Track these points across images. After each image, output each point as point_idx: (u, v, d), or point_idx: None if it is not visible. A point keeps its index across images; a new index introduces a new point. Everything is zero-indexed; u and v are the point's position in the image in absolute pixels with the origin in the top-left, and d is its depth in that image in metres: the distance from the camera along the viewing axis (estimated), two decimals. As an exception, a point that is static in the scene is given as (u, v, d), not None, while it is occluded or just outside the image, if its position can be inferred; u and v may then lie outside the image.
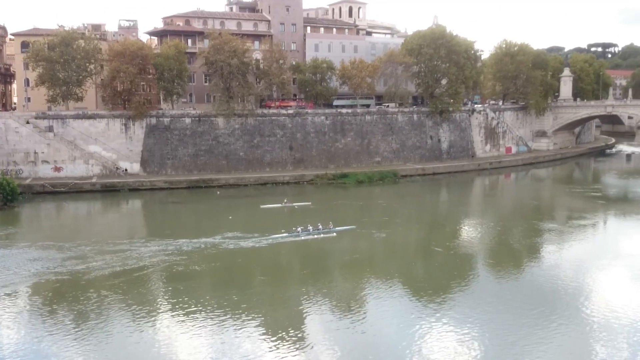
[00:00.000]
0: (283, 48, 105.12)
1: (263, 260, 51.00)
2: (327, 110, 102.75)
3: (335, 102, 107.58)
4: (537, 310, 37.70)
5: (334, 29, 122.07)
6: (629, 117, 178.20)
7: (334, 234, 58.26)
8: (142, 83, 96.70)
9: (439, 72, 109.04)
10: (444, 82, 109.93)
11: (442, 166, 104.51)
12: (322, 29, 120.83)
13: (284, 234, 56.91)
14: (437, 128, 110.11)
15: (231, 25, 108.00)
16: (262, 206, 71.60)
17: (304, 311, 39.07)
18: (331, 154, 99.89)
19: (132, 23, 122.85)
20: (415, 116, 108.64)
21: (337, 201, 79.28)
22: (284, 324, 36.61)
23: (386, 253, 55.10)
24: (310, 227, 57.76)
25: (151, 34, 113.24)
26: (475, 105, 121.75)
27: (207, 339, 34.30)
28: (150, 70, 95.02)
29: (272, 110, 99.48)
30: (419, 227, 66.30)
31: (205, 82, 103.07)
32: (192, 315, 37.65)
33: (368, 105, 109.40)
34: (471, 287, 44.06)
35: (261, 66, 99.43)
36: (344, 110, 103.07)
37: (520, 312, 37.73)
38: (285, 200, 72.39)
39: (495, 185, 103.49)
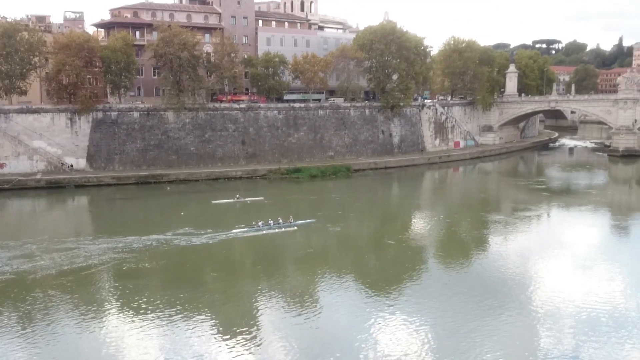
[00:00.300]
0: (234, 41, 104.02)
1: (216, 256, 50.52)
2: (280, 105, 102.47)
3: (286, 97, 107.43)
4: (486, 300, 38.75)
5: (286, 23, 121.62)
6: (572, 112, 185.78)
7: (295, 227, 58.28)
8: (88, 76, 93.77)
9: (390, 67, 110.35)
10: (394, 77, 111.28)
11: (393, 160, 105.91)
12: (274, 23, 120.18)
13: (244, 229, 56.52)
14: (389, 123, 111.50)
15: (181, 18, 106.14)
16: (213, 201, 70.83)
17: (258, 307, 38.91)
18: (284, 148, 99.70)
19: (78, 15, 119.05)
20: (367, 111, 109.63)
21: (290, 196, 79.25)
22: (237, 320, 36.37)
23: (340, 246, 55.47)
24: (271, 221, 57.55)
25: (98, 26, 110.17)
26: (425, 101, 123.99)
27: (157, 339, 33.73)
28: (97, 63, 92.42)
29: (223, 105, 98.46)
30: (372, 221, 67.03)
31: (154, 75, 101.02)
32: (142, 314, 36.94)
33: (319, 100, 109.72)
34: (423, 279, 44.91)
35: (212, 59, 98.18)
36: (296, 105, 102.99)
37: (470, 302, 38.66)
38: (237, 196, 71.87)
39: (445, 179, 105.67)
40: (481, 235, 59.63)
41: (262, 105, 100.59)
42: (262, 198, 73.81)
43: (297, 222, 59.13)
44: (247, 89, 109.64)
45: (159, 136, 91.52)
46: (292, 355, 31.68)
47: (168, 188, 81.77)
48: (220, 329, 35.11)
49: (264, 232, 56.57)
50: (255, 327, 35.52)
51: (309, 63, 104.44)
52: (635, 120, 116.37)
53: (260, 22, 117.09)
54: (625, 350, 31.47)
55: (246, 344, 32.92)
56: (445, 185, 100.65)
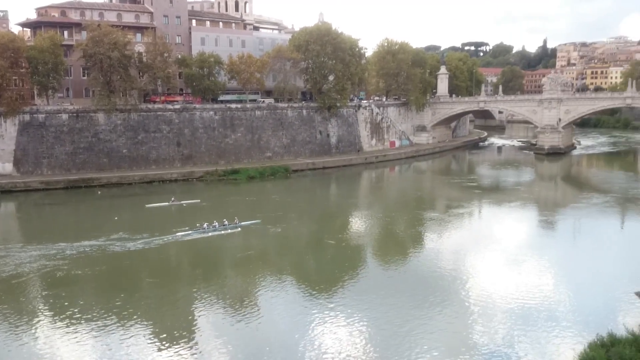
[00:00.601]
0: (167, 41, 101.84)
1: (153, 261, 49.30)
2: (216, 106, 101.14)
3: (222, 97, 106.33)
4: (424, 296, 39.70)
5: (221, 23, 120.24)
6: (500, 112, 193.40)
7: (239, 228, 57.80)
8: (14, 78, 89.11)
9: (326, 68, 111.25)
10: (331, 78, 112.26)
11: (331, 160, 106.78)
12: (208, 23, 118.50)
13: (189, 231, 55.54)
14: (326, 123, 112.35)
15: (111, 17, 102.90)
16: (147, 205, 69.09)
17: (196, 312, 38.29)
18: (221, 149, 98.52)
19: (2, 14, 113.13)
20: (304, 111, 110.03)
21: (229, 197, 78.42)
22: (175, 326, 35.58)
23: (281, 247, 55.40)
24: (216, 223, 56.87)
25: (24, 25, 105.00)
26: (361, 101, 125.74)
27: (92, 348, 32.56)
28: (23, 64, 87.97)
29: (157, 105, 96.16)
30: (312, 221, 67.28)
31: (84, 76, 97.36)
32: (76, 323, 35.58)
33: (254, 100, 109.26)
34: (362, 277, 45.50)
35: (144, 59, 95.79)
36: (233, 106, 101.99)
37: (408, 299, 39.50)
38: (172, 199, 70.47)
39: (382, 178, 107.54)
40: (418, 233, 61.07)
41: (197, 106, 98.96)
42: (199, 200, 72.66)
43: (242, 223, 58.67)
44: (181, 90, 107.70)
45: (89, 139, 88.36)
46: (232, 358, 31.37)
47: (99, 192, 79.06)
48: (158, 335, 34.24)
49: (210, 234, 55.74)
50: (193, 332, 34.93)
51: (245, 63, 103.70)
52: (560, 120, 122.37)
53: (193, 21, 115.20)
54: (556, 341, 32.92)
55: (184, 349, 32.28)
56: (382, 185, 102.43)
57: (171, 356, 31.43)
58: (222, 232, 56.70)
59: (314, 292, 41.42)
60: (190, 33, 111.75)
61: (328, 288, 42.32)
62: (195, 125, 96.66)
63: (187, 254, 52.59)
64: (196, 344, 33.12)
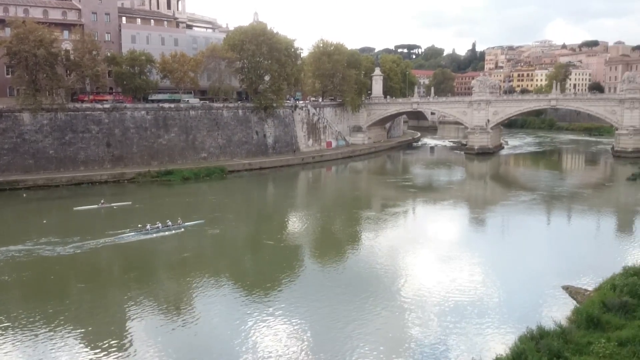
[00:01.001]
0: (96, 39, 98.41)
1: (84, 266, 47.28)
2: (148, 105, 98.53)
3: (154, 97, 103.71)
4: (361, 295, 39.95)
5: (152, 21, 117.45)
6: (432, 113, 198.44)
7: (183, 229, 56.91)
8: None
9: (262, 68, 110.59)
10: (267, 78, 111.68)
11: (268, 161, 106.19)
12: (139, 20, 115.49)
13: (132, 233, 54.15)
14: (263, 123, 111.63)
15: (37, 13, 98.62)
16: (75, 208, 66.40)
17: (129, 317, 36.93)
18: (154, 150, 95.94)
19: None
20: (240, 112, 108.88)
21: (162, 199, 76.52)
22: (107, 332, 34.24)
23: (218, 249, 54.52)
24: (160, 224, 55.81)
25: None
26: (298, 102, 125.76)
27: (20, 357, 30.87)
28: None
29: (85, 105, 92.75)
30: (249, 222, 66.63)
31: (8, 74, 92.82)
32: (1, 331, 33.61)
33: (187, 100, 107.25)
34: (300, 277, 45.37)
35: (72, 57, 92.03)
36: (166, 105, 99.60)
37: (345, 297, 39.62)
38: (102, 201, 67.99)
39: (319, 178, 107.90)
40: (355, 232, 61.62)
41: (128, 105, 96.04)
42: (130, 202, 70.40)
43: (185, 223, 57.86)
44: (111, 89, 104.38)
45: (13, 139, 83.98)
46: (169, 363, 30.57)
47: (25, 195, 75.26)
48: (90, 343, 32.77)
49: (153, 235, 54.44)
50: (127, 338, 33.63)
51: (178, 62, 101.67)
52: (488, 121, 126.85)
53: (124, 19, 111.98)
54: (488, 335, 33.90)
55: (117, 356, 31.10)
56: (319, 185, 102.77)
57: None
58: (166, 232, 55.58)
59: (252, 294, 40.90)
60: (120, 30, 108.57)
61: (266, 289, 41.92)
62: (126, 125, 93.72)
63: (120, 257, 50.76)
64: (130, 350, 31.95)
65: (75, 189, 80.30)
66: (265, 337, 33.63)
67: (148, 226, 55.20)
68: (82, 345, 32.57)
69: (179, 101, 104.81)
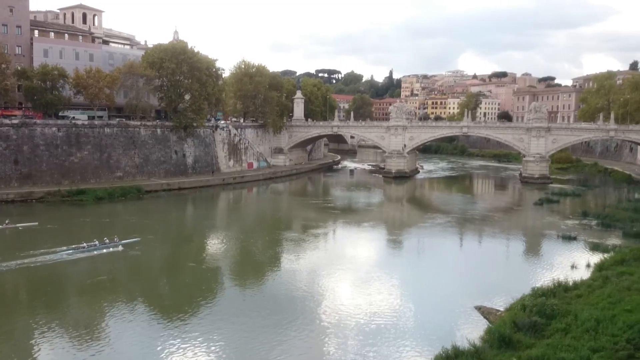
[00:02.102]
0: (6, 52, 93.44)
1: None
2: (60, 121, 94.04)
3: (66, 113, 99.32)
4: (280, 317, 39.62)
5: (66, 35, 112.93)
6: (352, 137, 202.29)
7: (120, 247, 56.52)
8: None
9: (182, 87, 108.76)
10: (187, 97, 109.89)
11: (187, 181, 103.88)
12: (52, 34, 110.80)
13: (69, 250, 53.59)
14: (182, 143, 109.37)
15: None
16: (-23, 229, 62.07)
17: (35, 343, 34.58)
18: (65, 168, 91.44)
19: None
20: (159, 130, 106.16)
21: (74, 220, 72.86)
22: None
23: (134, 272, 52.46)
24: (97, 242, 55.48)
25: None
26: (219, 122, 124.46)
27: None
28: None
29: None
30: (168, 243, 64.49)
31: None
32: None
33: (101, 117, 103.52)
34: (219, 300, 44.47)
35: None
36: (79, 122, 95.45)
37: (264, 320, 39.15)
38: (7, 221, 63.90)
39: (240, 199, 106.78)
40: (275, 254, 61.23)
41: (38, 121, 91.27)
42: (36, 223, 66.58)
43: (122, 241, 57.52)
44: (20, 104, 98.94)
45: None
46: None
47: None
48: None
49: (93, 253, 54.28)
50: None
51: (93, 78, 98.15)
52: (405, 145, 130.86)
53: (36, 32, 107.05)
54: (404, 355, 34.37)
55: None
56: (240, 206, 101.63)
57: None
58: (104, 250, 55.18)
59: (169, 318, 39.49)
60: (32, 44, 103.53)
61: (184, 313, 40.63)
62: (36, 142, 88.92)
63: (28, 281, 47.62)
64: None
65: (-23, 209, 74.95)
66: (181, 362, 32.54)
67: (84, 244, 54.57)
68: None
69: (93, 118, 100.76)
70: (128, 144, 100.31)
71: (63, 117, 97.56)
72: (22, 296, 45.53)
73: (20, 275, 48.36)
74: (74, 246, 54.57)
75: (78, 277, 49.73)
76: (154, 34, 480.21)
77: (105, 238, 56.68)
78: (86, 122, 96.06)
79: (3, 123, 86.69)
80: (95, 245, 55.11)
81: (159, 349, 34.23)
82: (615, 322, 32.00)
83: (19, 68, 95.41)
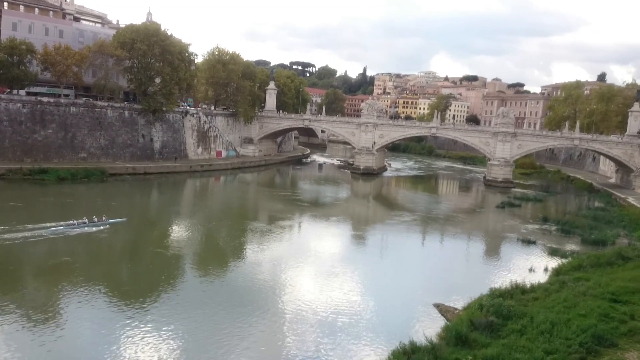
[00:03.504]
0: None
1: None
2: (25, 98, 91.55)
3: (32, 89, 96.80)
4: (239, 307, 39.64)
5: (37, 9, 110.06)
6: (322, 131, 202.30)
7: (108, 225, 58.55)
8: None
9: (153, 70, 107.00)
10: (157, 80, 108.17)
11: (154, 166, 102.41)
12: (22, 7, 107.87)
13: (60, 227, 54.98)
14: (150, 127, 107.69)
15: None
16: None
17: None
18: (28, 146, 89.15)
19: None
20: (126, 112, 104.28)
21: (35, 198, 71.25)
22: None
23: (94, 254, 51.59)
24: (86, 219, 57.32)
25: None
26: (189, 108, 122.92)
27: None
28: None
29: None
30: (130, 228, 63.38)
31: None
32: None
33: (67, 95, 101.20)
34: (179, 287, 44.15)
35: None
36: (45, 99, 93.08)
37: (224, 309, 39.16)
38: None
39: (207, 188, 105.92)
40: (239, 244, 61.08)
41: (2, 96, 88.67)
42: None
43: (110, 220, 59.58)
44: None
45: None
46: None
47: None
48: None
49: (83, 229, 56.07)
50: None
51: (61, 55, 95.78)
52: (374, 143, 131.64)
53: (5, 4, 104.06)
54: (362, 349, 34.86)
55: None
56: (207, 194, 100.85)
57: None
58: (93, 228, 56.98)
59: (127, 304, 39.05)
60: (0, 16, 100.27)
61: (142, 299, 40.21)
62: (0, 117, 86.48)
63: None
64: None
65: None
66: (135, 348, 32.26)
67: (74, 221, 56.31)
68: None
69: (59, 96, 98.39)
70: (94, 124, 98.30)
71: (32, 94, 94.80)
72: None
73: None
74: (62, 223, 56.00)
75: (38, 258, 48.70)
76: (126, 13, 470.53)
77: (94, 216, 58.31)
78: (51, 100, 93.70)
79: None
80: (84, 222, 56.89)
81: (112, 333, 33.86)
82: (570, 326, 32.99)
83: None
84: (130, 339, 33.31)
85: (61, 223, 56.21)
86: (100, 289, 41.83)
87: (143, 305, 38.98)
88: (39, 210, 65.43)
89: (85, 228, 56.55)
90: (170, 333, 34.63)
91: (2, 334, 32.77)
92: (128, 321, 35.82)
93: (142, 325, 35.25)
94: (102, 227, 57.82)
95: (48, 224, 55.57)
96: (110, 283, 43.84)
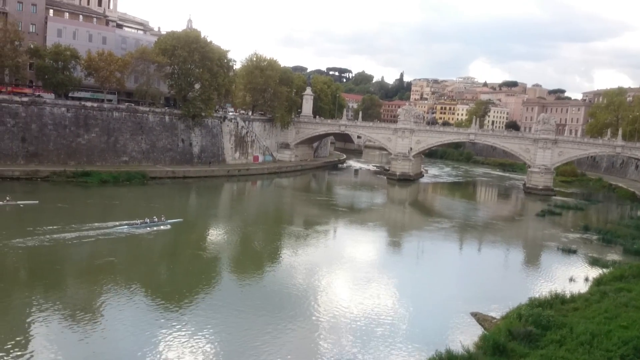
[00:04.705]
0: (20, 29, 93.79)
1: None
2: (70, 102, 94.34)
3: (76, 94, 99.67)
4: (274, 312, 39.82)
5: (81, 16, 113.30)
6: (358, 137, 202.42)
7: (169, 226, 61.66)
8: None
9: (193, 76, 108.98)
10: (197, 86, 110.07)
11: (193, 170, 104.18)
12: (67, 14, 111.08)
13: (125, 226, 58.17)
14: (189, 132, 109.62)
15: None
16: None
17: (31, 321, 34.86)
18: (72, 149, 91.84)
19: None
20: (167, 117, 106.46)
21: (77, 200, 73.28)
22: (4, 335, 32.23)
23: (132, 257, 52.62)
24: (147, 219, 60.30)
25: None
26: (227, 113, 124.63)
27: None
28: None
29: (2, 96, 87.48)
30: (172, 229, 64.54)
31: None
32: None
33: (111, 100, 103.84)
34: (217, 290, 44.70)
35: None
36: (88, 104, 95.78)
37: (259, 314, 39.35)
38: (7, 198, 64.29)
39: (244, 192, 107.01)
40: (275, 248, 61.55)
41: (48, 100, 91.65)
42: (37, 202, 67.07)
43: (168, 220, 62.46)
44: (31, 82, 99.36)
45: None
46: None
47: None
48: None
49: (147, 229, 58.93)
50: (25, 344, 31.68)
51: (104, 61, 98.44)
52: (411, 149, 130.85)
53: (51, 11, 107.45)
54: (397, 356, 34.60)
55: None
56: (244, 198, 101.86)
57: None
58: (154, 228, 59.77)
59: (166, 304, 39.79)
60: (46, 23, 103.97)
61: (181, 300, 40.93)
62: (44, 121, 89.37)
63: (30, 261, 47.82)
64: (26, 356, 30.10)
65: (-18, 184, 75.48)
66: (173, 348, 32.80)
67: (137, 221, 59.55)
68: (-24, 350, 30.42)
69: (102, 101, 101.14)
70: (136, 129, 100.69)
71: (76, 99, 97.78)
72: (23, 274, 45.85)
73: (19, 254, 48.64)
74: (125, 222, 59.39)
75: (84, 257, 50.16)
76: (167, 20, 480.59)
77: (155, 217, 61.32)
78: (95, 105, 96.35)
79: (13, 100, 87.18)
80: (146, 222, 59.98)
81: (152, 334, 34.46)
82: (610, 338, 32.11)
83: (31, 46, 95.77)
84: (167, 338, 33.87)
85: (124, 222, 59.35)
86: (140, 289, 42.72)
87: (181, 307, 39.63)
88: (86, 211, 67.29)
89: (147, 228, 59.41)
90: (206, 335, 35.03)
91: (47, 333, 33.73)
92: (167, 322, 36.43)
93: (180, 327, 35.80)
94: (162, 227, 60.76)
95: (110, 224, 58.71)
96: (151, 284, 44.78)
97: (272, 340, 35.32)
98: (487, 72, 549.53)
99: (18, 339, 32.27)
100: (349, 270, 53.72)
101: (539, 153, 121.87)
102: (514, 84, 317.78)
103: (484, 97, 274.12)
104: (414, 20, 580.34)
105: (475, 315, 41.54)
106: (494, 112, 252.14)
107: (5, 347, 30.81)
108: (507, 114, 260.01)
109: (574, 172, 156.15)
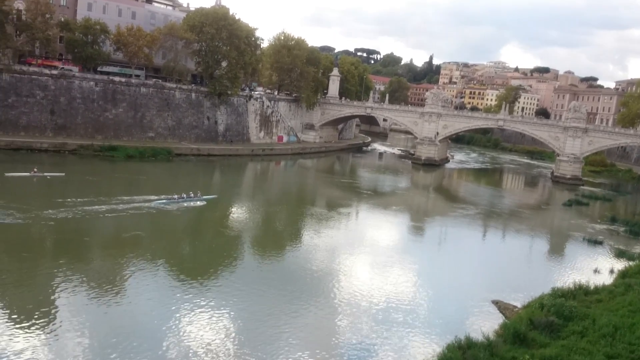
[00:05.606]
0: (51, 2, 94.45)
1: (22, 238, 45.21)
2: (98, 76, 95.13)
3: (104, 69, 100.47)
4: (295, 291, 39.99)
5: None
6: (384, 120, 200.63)
7: (205, 202, 63.09)
8: None
9: (220, 53, 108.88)
10: (224, 64, 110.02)
11: (217, 148, 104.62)
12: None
13: (163, 201, 59.75)
14: (215, 110, 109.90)
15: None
16: (7, 174, 63.60)
17: (56, 292, 35.46)
18: (99, 123, 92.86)
19: None
20: (193, 95, 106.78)
21: (101, 175, 74.09)
22: (29, 306, 32.90)
23: (155, 232, 53.12)
24: (184, 195, 61.66)
25: None
26: (253, 92, 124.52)
27: None
28: None
29: (33, 69, 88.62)
30: (189, 208, 65.17)
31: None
32: None
33: (138, 76, 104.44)
34: (237, 268, 44.93)
35: (23, 18, 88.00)
36: (116, 79, 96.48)
37: (280, 293, 39.51)
38: (34, 169, 65.35)
39: (267, 171, 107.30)
40: (297, 229, 61.68)
41: (77, 74, 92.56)
42: (63, 174, 68.31)
43: (203, 197, 63.84)
44: (61, 55, 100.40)
45: (-52, 94, 79.52)
46: (87, 343, 29.49)
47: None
48: (9, 316, 31.34)
49: (184, 204, 60.57)
50: (50, 314, 32.29)
51: (133, 36, 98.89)
52: (437, 133, 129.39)
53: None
54: (417, 342, 34.45)
55: (38, 332, 29.84)
56: (267, 177, 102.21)
57: (25, 338, 28.90)
58: (191, 203, 61.36)
59: (187, 280, 40.15)
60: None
61: (203, 277, 41.25)
62: (73, 94, 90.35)
63: (58, 232, 48.60)
64: (51, 326, 30.71)
65: (13, 154, 76.88)
66: (192, 323, 33.11)
67: (175, 196, 60.90)
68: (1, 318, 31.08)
69: (130, 76, 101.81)
70: (162, 105, 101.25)
71: (104, 73, 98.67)
72: (50, 246, 46.70)
73: (43, 227, 49.52)
74: (163, 197, 60.90)
75: (111, 230, 50.98)
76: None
77: (191, 192, 62.54)
78: (123, 80, 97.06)
79: (43, 73, 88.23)
80: (183, 197, 61.24)
81: (174, 309, 34.85)
82: (634, 331, 31.51)
83: (62, 19, 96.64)
84: (189, 315, 34.16)
85: (162, 197, 60.83)
86: (164, 265, 43.15)
87: (204, 284, 39.90)
88: (113, 185, 68.17)
89: (184, 203, 60.79)
90: (229, 313, 35.29)
91: (73, 304, 34.27)
92: (188, 297, 36.75)
93: (202, 303, 36.07)
94: (198, 203, 62.17)
95: (143, 197, 60.06)
96: (173, 260, 45.15)
97: (292, 320, 35.39)
98: (518, 57, 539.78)
99: (44, 309, 32.88)
100: (370, 254, 53.51)
101: (568, 141, 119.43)
102: (545, 70, 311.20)
103: (514, 82, 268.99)
104: (445, 1, 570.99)
105: (496, 303, 41.09)
106: (524, 98, 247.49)
107: (32, 317, 31.43)
108: (538, 100, 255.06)
109: (603, 162, 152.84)
